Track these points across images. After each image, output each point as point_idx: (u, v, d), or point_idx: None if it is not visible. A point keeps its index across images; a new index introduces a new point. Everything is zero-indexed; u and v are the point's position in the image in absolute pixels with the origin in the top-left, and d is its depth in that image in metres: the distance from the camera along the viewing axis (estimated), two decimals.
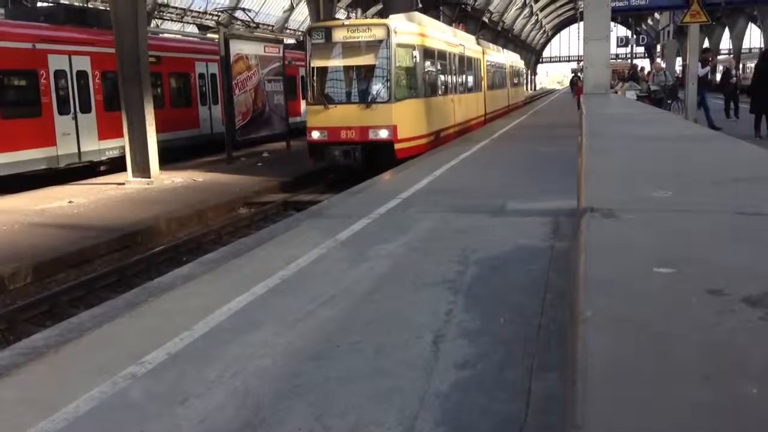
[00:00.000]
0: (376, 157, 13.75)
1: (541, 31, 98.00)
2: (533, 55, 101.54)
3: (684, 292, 1.29)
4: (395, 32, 13.81)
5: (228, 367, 3.61)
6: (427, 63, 15.92)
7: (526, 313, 4.23)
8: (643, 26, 54.69)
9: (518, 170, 10.95)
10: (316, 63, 14.44)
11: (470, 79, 21.87)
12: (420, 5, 24.86)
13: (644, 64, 40.95)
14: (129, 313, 4.63)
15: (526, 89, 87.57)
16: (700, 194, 2.34)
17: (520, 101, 37.24)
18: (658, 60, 26.82)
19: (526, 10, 74.15)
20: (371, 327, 4.12)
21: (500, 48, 33.35)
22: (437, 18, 23.67)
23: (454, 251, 5.80)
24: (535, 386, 3.23)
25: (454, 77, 18.97)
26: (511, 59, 34.30)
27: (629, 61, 39.74)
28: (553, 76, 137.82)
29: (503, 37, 62.48)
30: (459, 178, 10.50)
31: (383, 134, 13.72)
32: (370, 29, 14.01)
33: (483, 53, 24.40)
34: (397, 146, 13.79)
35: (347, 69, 14.50)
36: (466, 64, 20.88)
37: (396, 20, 14.80)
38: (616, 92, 19.76)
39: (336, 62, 14.46)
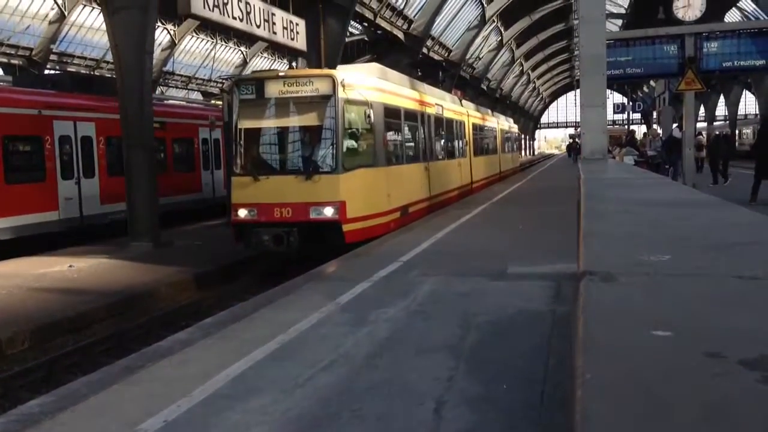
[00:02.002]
0: (318, 242, 11.21)
1: (539, 98, 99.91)
2: (531, 121, 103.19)
3: (682, 355, 1.29)
4: (343, 86, 11.17)
5: None
6: (390, 124, 13.33)
7: (529, 379, 4.18)
8: (639, 93, 55.74)
9: (518, 233, 10.99)
10: (244, 123, 11.67)
11: (451, 143, 19.52)
12: (420, 73, 25.38)
13: (643, 129, 41.59)
14: (126, 379, 4.58)
15: (525, 154, 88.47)
16: (697, 258, 2.35)
17: (514, 168, 34.75)
18: (655, 126, 27.23)
19: (524, 78, 75.80)
20: (372, 393, 4.07)
21: (489, 110, 30.91)
22: (436, 86, 23.61)
23: (455, 315, 5.78)
24: None
25: (428, 141, 16.16)
26: (502, 123, 31.67)
27: (626, 127, 40.34)
28: (551, 141, 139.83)
29: (501, 103, 63.72)
30: (460, 240, 10.53)
31: (328, 212, 10.97)
32: (311, 82, 11.35)
33: (468, 115, 22.04)
34: (346, 227, 11.06)
35: (282, 131, 11.91)
36: (445, 126, 18.33)
37: (346, 71, 12.10)
38: (614, 157, 20.00)
39: (268, 122, 11.85)
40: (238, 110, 11.65)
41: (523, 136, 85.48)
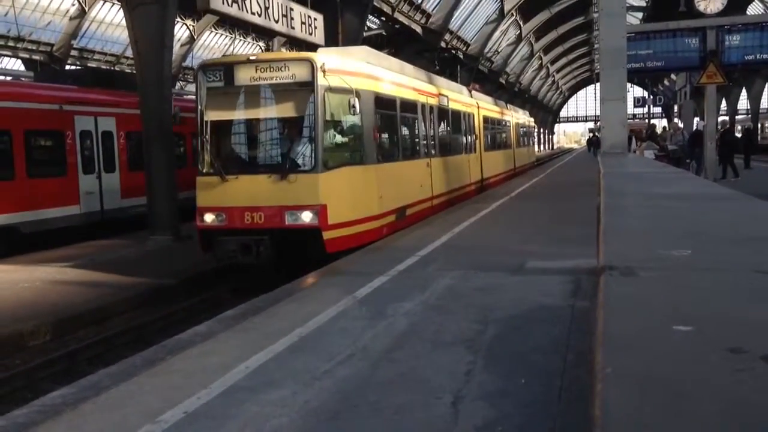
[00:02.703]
0: (295, 252, 10.03)
1: (558, 92, 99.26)
2: (550, 115, 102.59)
3: (703, 350, 1.28)
4: (324, 71, 9.77)
5: (245, 426, 3.58)
6: (383, 116, 11.89)
7: (547, 373, 4.17)
8: (660, 87, 55.17)
9: (537, 228, 10.94)
10: (211, 115, 10.33)
11: (458, 137, 17.98)
12: (437, 67, 25.24)
13: (663, 123, 41.19)
14: (147, 371, 4.63)
15: (543, 148, 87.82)
16: (718, 253, 2.33)
17: (529, 163, 33.18)
18: (676, 120, 26.96)
19: (543, 72, 75.33)
20: (389, 387, 4.08)
21: (504, 103, 29.34)
22: (454, 80, 23.27)
23: (473, 310, 5.77)
24: None
25: (430, 135, 14.64)
26: (517, 115, 29.97)
27: (646, 121, 39.96)
28: (570, 135, 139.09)
29: (520, 97, 63.38)
30: (478, 235, 10.50)
31: (305, 218, 9.60)
32: (287, 67, 9.86)
33: (478, 107, 20.54)
34: (327, 235, 9.67)
35: (254, 124, 10.55)
36: (451, 119, 16.88)
37: (327, 54, 10.65)
38: (634, 152, 19.83)
39: (238, 114, 10.54)
40: (204, 100, 10.29)
41: (541, 130, 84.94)
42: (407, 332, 5.23)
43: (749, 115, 56.04)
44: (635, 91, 58.94)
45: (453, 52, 36.51)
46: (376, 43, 34.64)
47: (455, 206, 14.90)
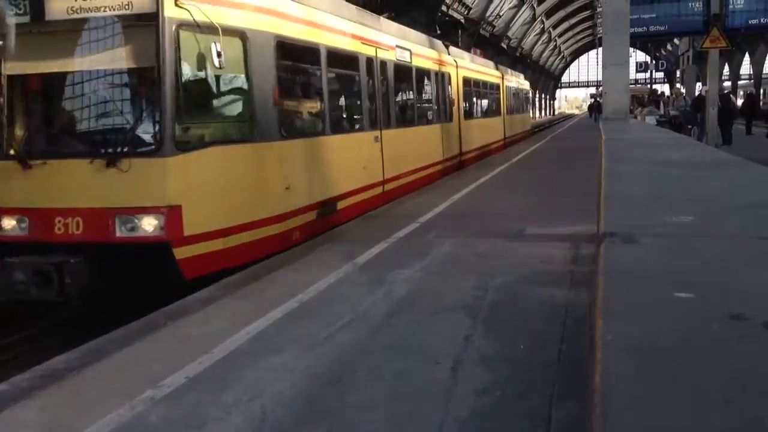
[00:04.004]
0: (132, 280, 6.49)
1: (560, 57, 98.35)
2: (552, 81, 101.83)
3: (704, 317, 1.28)
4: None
5: (246, 391, 3.61)
6: (293, 71, 8.59)
7: (546, 339, 4.20)
8: (663, 51, 54.70)
9: (536, 195, 10.92)
10: (12, 68, 6.93)
11: (427, 103, 14.59)
12: (439, 31, 24.91)
13: (664, 89, 40.91)
14: (148, 336, 4.66)
15: (543, 114, 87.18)
16: (719, 219, 2.33)
17: (523, 132, 29.80)
18: (678, 85, 26.77)
19: (545, 36, 74.58)
20: (389, 352, 4.11)
21: (493, 63, 25.20)
22: (455, 44, 22.64)
23: (472, 276, 5.78)
24: (556, 414, 3.20)
25: (381, 100, 11.06)
26: (508, 78, 26.04)
27: (648, 86, 39.66)
28: (571, 101, 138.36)
29: (522, 62, 62.81)
30: (477, 202, 10.49)
31: (147, 226, 6.27)
32: None
33: (456, 66, 16.79)
34: (182, 252, 6.37)
35: (71, 81, 7.01)
36: (415, 79, 13.18)
37: None
38: (635, 117, 19.73)
39: (48, 66, 6.90)
40: (4, 43, 6.93)
41: (543, 96, 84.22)
42: (407, 298, 5.25)
43: (752, 80, 55.56)
44: (637, 56, 58.29)
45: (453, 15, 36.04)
46: (375, 7, 34.23)
47: (450, 175, 14.77)
